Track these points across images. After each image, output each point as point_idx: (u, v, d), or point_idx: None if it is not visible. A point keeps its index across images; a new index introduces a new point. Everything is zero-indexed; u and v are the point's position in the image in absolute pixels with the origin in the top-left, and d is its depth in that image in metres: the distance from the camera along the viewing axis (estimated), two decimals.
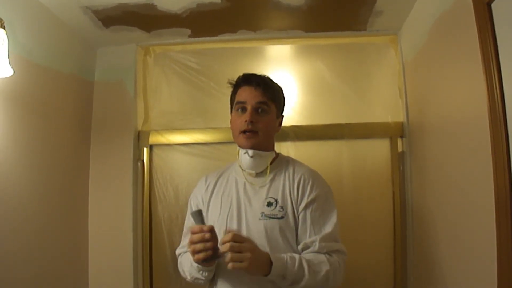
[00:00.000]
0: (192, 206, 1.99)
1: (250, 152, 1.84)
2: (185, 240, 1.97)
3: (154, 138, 2.77)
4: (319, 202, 1.81)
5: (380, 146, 2.68)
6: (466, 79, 1.79)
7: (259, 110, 1.84)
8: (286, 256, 1.67)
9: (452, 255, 1.97)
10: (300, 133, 2.62)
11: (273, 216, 1.78)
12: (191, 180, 2.71)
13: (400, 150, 2.66)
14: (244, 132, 1.83)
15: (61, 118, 2.42)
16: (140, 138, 2.77)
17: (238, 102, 1.88)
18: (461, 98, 1.85)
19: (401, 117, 2.67)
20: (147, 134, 2.76)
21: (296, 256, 1.68)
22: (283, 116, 2.01)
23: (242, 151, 1.88)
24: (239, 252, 1.58)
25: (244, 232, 1.80)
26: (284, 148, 2.50)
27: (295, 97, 2.76)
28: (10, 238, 1.93)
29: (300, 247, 1.78)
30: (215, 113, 2.74)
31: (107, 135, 2.75)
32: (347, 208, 2.56)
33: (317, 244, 1.74)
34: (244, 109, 1.85)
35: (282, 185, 1.85)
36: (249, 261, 1.57)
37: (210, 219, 1.88)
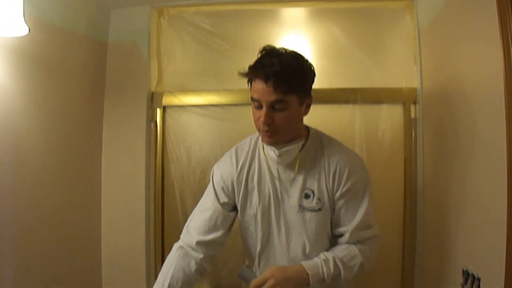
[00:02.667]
0: (217, 187, 1.91)
1: (277, 151, 1.73)
2: (196, 217, 1.92)
3: (168, 100, 2.76)
4: (354, 191, 1.78)
5: (393, 112, 2.66)
6: (482, 46, 1.76)
7: (276, 109, 1.64)
8: (320, 261, 1.70)
9: (463, 221, 1.97)
10: (314, 97, 2.58)
11: (311, 209, 1.78)
12: (203, 142, 2.74)
13: (413, 116, 2.64)
14: (265, 131, 1.70)
15: (75, 79, 2.43)
16: (153, 99, 2.77)
17: (253, 99, 1.69)
18: (477, 65, 1.82)
19: (415, 83, 2.64)
20: (161, 95, 2.76)
21: (330, 257, 1.70)
22: (311, 96, 1.80)
23: (267, 146, 1.78)
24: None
25: (282, 226, 1.82)
26: None
27: (309, 60, 2.71)
28: (24, 195, 1.96)
29: (335, 233, 1.81)
30: (229, 75, 2.70)
31: (120, 96, 2.75)
32: None
33: (348, 235, 1.75)
34: (260, 107, 1.67)
35: (318, 175, 1.78)
36: None
37: (249, 212, 1.87)
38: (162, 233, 2.81)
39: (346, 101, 2.64)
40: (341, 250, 1.75)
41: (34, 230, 2.02)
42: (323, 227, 1.79)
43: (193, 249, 1.85)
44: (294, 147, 1.75)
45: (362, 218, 1.76)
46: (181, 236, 1.92)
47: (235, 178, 1.88)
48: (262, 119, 1.65)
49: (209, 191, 1.94)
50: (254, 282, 1.64)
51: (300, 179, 1.79)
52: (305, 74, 1.73)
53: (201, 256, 1.84)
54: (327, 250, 1.79)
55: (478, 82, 1.82)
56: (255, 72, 1.66)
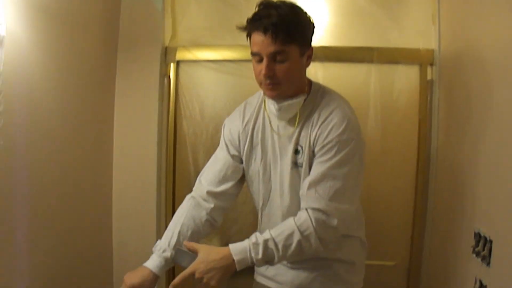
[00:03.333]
0: (226, 139, 1.93)
1: (276, 105, 1.70)
2: (208, 169, 1.95)
3: (181, 54, 2.73)
4: (330, 148, 1.65)
5: (409, 73, 2.63)
6: (504, 9, 1.73)
7: (277, 60, 1.61)
8: (249, 244, 1.60)
9: (476, 183, 1.96)
10: (329, 54, 2.56)
11: (300, 165, 1.73)
12: (217, 97, 2.72)
13: (429, 78, 2.61)
14: (266, 84, 1.67)
15: (88, 32, 2.39)
16: (167, 54, 2.74)
17: (253, 53, 1.65)
18: (497, 29, 1.79)
19: (432, 45, 2.60)
20: (174, 50, 2.73)
21: (260, 240, 1.59)
22: (311, 48, 1.73)
23: (268, 100, 1.75)
24: (197, 283, 1.59)
25: (279, 183, 1.80)
26: (313, 68, 2.44)
27: (325, 18, 2.69)
28: (36, 150, 1.95)
29: None
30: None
31: (134, 50, 2.71)
32: (372, 134, 2.56)
33: (302, 190, 1.68)
34: (260, 60, 1.63)
35: (309, 130, 1.71)
36: (210, 282, 1.58)
37: (253, 167, 1.87)
38: (173, 189, 2.82)
39: (362, 60, 2.60)
40: (278, 228, 1.63)
41: (45, 187, 2.02)
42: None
43: (204, 199, 1.87)
44: (295, 102, 1.72)
45: (320, 175, 1.63)
46: (193, 188, 1.94)
47: (241, 132, 1.88)
48: (263, 71, 1.62)
49: (221, 143, 1.96)
50: (177, 280, 1.59)
51: (296, 135, 1.74)
52: (303, 24, 1.69)
53: (212, 206, 1.85)
54: None
55: (497, 46, 1.79)
56: (253, 24, 1.63)
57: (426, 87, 2.59)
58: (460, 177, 2.16)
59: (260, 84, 1.69)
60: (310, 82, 1.81)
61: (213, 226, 1.91)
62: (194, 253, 1.63)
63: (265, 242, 1.58)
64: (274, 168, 1.81)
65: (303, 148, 1.72)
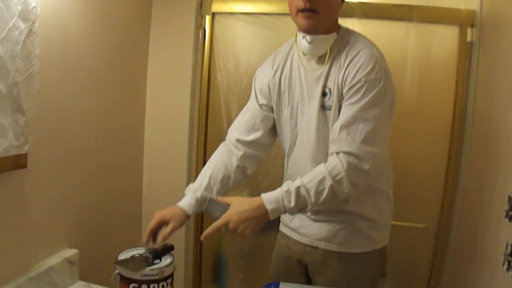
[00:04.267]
0: (256, 89, 1.97)
1: (308, 38, 1.70)
2: (238, 118, 2.01)
3: (217, 6, 2.70)
4: (359, 88, 1.63)
5: (448, 33, 2.56)
6: None
7: None
8: (281, 193, 1.61)
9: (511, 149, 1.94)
10: (367, 10, 2.51)
11: (328, 107, 1.71)
12: (252, 50, 2.70)
13: (469, 39, 2.54)
14: (302, 11, 1.64)
15: None
16: (202, 6, 2.71)
17: None
18: None
19: (474, 5, 2.52)
20: (210, 1, 2.70)
21: (293, 188, 1.60)
22: None
23: (300, 35, 1.74)
24: (231, 232, 1.60)
25: (306, 128, 1.79)
26: (350, 24, 2.38)
27: None
28: (70, 88, 1.98)
29: None
30: None
31: (169, 1, 2.70)
32: (408, 94, 2.52)
33: (332, 135, 1.66)
34: None
35: (337, 71, 1.70)
36: (245, 234, 1.61)
37: (282, 114, 1.89)
38: (205, 141, 2.83)
39: (401, 18, 2.54)
40: (309, 175, 1.63)
41: (77, 124, 2.05)
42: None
43: (234, 146, 1.93)
44: (327, 37, 1.71)
45: (351, 118, 1.61)
46: (226, 137, 1.99)
47: (270, 79, 1.91)
48: None
49: (252, 94, 2.00)
50: (209, 231, 1.61)
51: (323, 77, 1.73)
52: None
53: (241, 153, 1.91)
54: None
55: None
56: None
57: (465, 48, 2.53)
58: (495, 140, 2.13)
59: (296, 15, 1.68)
60: (339, 25, 1.80)
61: (244, 173, 1.95)
62: (226, 205, 1.65)
63: (297, 189, 1.59)
64: (301, 113, 1.82)
65: (331, 91, 1.71)
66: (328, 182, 1.58)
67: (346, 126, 1.61)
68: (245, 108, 2.03)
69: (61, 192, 1.97)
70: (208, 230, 1.61)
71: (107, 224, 2.38)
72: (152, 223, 1.73)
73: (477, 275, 2.16)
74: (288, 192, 1.60)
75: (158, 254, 1.66)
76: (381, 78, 1.63)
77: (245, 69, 2.70)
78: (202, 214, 2.83)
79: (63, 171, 1.97)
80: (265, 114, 1.94)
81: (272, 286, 1.74)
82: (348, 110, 1.63)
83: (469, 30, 2.54)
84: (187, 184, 2.58)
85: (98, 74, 2.18)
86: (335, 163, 1.60)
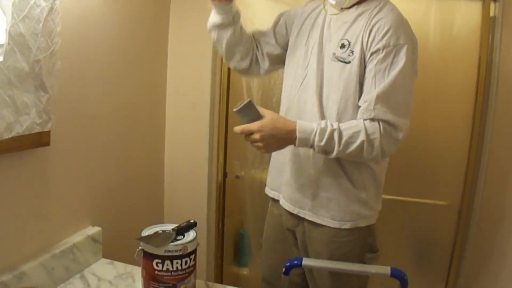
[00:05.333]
0: (280, 20, 2.06)
1: None
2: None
3: None
4: (388, 53, 1.65)
5: (471, 8, 2.51)
6: None
7: None
8: (316, 128, 1.63)
9: None
10: None
11: (342, 59, 1.73)
12: None
13: (492, 14, 2.50)
14: None
15: None
16: None
17: None
18: None
19: None
20: None
21: (328, 127, 1.63)
22: None
23: None
24: (252, 141, 1.62)
25: (317, 73, 1.80)
26: None
27: None
28: (91, 66, 1.99)
29: (358, 103, 1.72)
30: None
31: None
32: (430, 69, 2.49)
33: (366, 104, 1.67)
34: None
35: (361, 27, 1.72)
36: (263, 148, 1.63)
37: (297, 52, 1.91)
38: (226, 118, 2.82)
39: None
40: (346, 123, 1.67)
41: (98, 102, 2.06)
42: (348, 83, 1.73)
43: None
44: None
45: (388, 88, 1.64)
46: None
47: (298, 16, 1.97)
48: None
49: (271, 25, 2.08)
50: (240, 128, 1.62)
51: (344, 28, 1.77)
52: None
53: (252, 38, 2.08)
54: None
55: None
56: None
57: (488, 24, 2.49)
58: None
59: None
60: None
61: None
62: (259, 115, 1.64)
63: (332, 131, 1.63)
64: (314, 57, 1.83)
65: (350, 44, 1.73)
66: (361, 137, 1.63)
67: (383, 96, 1.64)
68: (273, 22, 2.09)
69: (83, 170, 1.99)
70: (238, 128, 1.63)
71: (130, 202, 2.41)
72: None
73: (502, 252, 2.15)
74: (323, 130, 1.63)
75: (181, 230, 1.67)
76: (410, 43, 1.68)
77: None
78: (223, 193, 2.84)
79: (86, 149, 1.99)
80: (273, 36, 2.06)
81: (295, 261, 1.74)
82: (381, 77, 1.66)
83: (492, 5, 2.49)
84: (209, 163, 2.60)
85: (118, 52, 2.19)
86: (373, 123, 1.65)
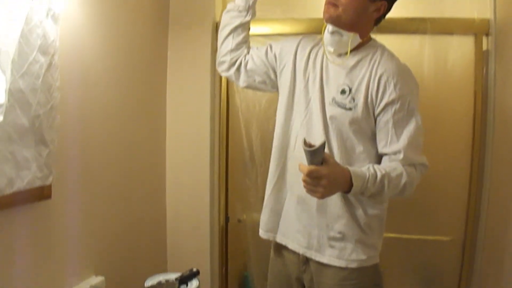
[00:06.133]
0: (274, 48, 2.09)
1: (330, 27, 1.81)
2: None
3: None
4: (402, 103, 1.75)
5: (464, 43, 2.57)
6: None
7: None
8: (368, 173, 1.66)
9: None
10: (382, 26, 2.47)
11: (342, 106, 1.78)
12: None
13: (484, 48, 2.54)
14: (327, 3, 1.79)
15: (140, 8, 2.42)
16: (218, 29, 2.73)
17: None
18: None
19: (487, 14, 2.52)
20: None
21: (379, 173, 1.67)
22: (385, 2, 1.84)
23: (325, 30, 1.85)
24: (315, 185, 1.59)
25: (314, 115, 1.84)
26: None
27: None
28: (91, 118, 2.01)
29: (381, 151, 1.78)
30: (295, 4, 2.69)
31: (185, 26, 2.74)
32: (426, 106, 2.50)
33: (401, 155, 1.73)
34: None
35: (362, 75, 1.79)
36: (321, 194, 1.61)
37: (298, 88, 1.93)
38: (227, 162, 2.84)
39: (415, 31, 2.56)
40: (388, 167, 1.73)
41: (99, 153, 2.07)
42: (348, 129, 1.78)
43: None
44: (348, 34, 1.80)
45: (413, 136, 1.75)
46: None
47: (292, 52, 2.00)
48: None
49: (262, 49, 2.12)
50: (309, 170, 1.58)
51: (343, 73, 1.82)
52: None
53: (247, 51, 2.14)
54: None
55: None
56: None
57: (482, 57, 2.53)
58: None
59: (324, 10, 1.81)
60: (370, 36, 1.93)
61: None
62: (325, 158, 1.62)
63: (382, 176, 1.67)
64: (315, 97, 1.87)
65: (351, 91, 1.79)
66: (404, 179, 1.70)
67: (410, 144, 1.74)
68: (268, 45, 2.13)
69: (85, 220, 1.99)
70: (307, 168, 1.58)
71: (132, 250, 2.39)
72: None
73: (509, 284, 2.13)
74: (373, 175, 1.67)
75: (184, 279, 1.67)
76: (417, 89, 1.83)
77: None
78: (226, 238, 2.84)
79: (87, 199, 1.99)
80: (263, 63, 2.08)
81: None
82: (401, 126, 1.76)
83: (484, 39, 2.54)
84: (210, 207, 2.60)
85: (118, 103, 2.21)
86: (410, 167, 1.75)
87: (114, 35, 2.16)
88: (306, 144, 1.56)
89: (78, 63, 1.88)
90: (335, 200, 1.79)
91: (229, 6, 2.10)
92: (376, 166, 1.71)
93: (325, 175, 1.58)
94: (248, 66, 2.09)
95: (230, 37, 2.08)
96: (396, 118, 1.74)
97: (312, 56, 1.95)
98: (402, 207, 2.41)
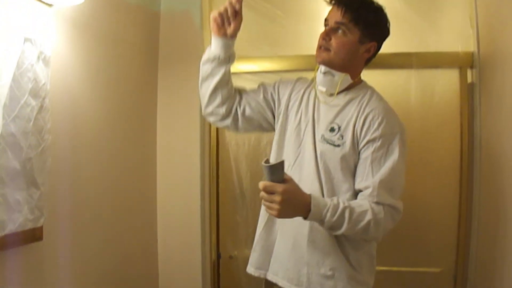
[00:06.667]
0: (274, 84, 2.10)
1: (322, 68, 1.85)
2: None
3: None
4: (383, 142, 1.77)
5: (449, 77, 2.61)
6: None
7: (337, 30, 1.82)
8: (330, 203, 1.66)
9: None
10: None
11: (331, 142, 1.81)
12: None
13: (469, 81, 2.58)
14: (320, 47, 1.86)
15: (129, 48, 2.47)
16: None
17: (325, 20, 1.89)
18: None
19: (471, 47, 2.57)
20: None
21: (341, 204, 1.66)
22: (375, 43, 1.92)
23: (317, 71, 1.90)
24: (270, 201, 1.60)
25: (306, 154, 1.86)
26: None
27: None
28: (82, 159, 2.02)
29: (356, 187, 1.79)
30: (282, 41, 2.72)
31: (174, 65, 2.78)
32: (413, 139, 2.52)
33: (369, 190, 1.73)
34: (326, 27, 1.87)
35: (351, 114, 1.83)
36: (277, 212, 1.60)
37: (289, 128, 1.96)
38: (217, 199, 2.85)
39: (401, 66, 2.61)
40: (354, 202, 1.72)
41: (90, 194, 2.08)
42: (339, 165, 1.80)
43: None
44: (339, 75, 1.85)
45: (388, 175, 1.74)
46: None
47: (287, 94, 2.03)
48: (322, 33, 1.85)
49: (259, 87, 2.13)
50: (265, 184, 1.59)
51: (333, 112, 1.86)
52: (377, 18, 1.91)
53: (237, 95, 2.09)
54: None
55: None
56: None
57: (467, 90, 2.57)
58: (504, 179, 2.14)
59: (317, 50, 1.88)
60: (362, 80, 1.98)
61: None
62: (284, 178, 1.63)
63: (344, 208, 1.65)
64: (306, 139, 1.89)
65: (340, 129, 1.82)
66: (368, 217, 1.67)
67: (383, 182, 1.73)
68: (259, 84, 2.14)
69: (77, 260, 1.99)
70: (263, 183, 1.60)
71: (125, 287, 2.38)
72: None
73: None
74: (335, 206, 1.66)
75: None
76: (401, 131, 1.82)
77: None
78: (218, 275, 2.83)
79: (79, 241, 1.99)
80: (262, 103, 2.07)
81: None
82: (378, 164, 1.77)
83: (469, 72, 2.59)
84: (202, 244, 2.60)
85: (108, 143, 2.22)
86: (378, 207, 1.71)
87: (104, 75, 2.19)
88: (266, 161, 1.59)
89: (68, 104, 1.90)
90: (324, 236, 1.80)
91: (207, 56, 2.01)
92: (341, 199, 1.71)
93: (279, 191, 1.58)
94: (246, 113, 2.06)
95: (218, 91, 2.02)
96: (375, 156, 1.77)
97: (305, 98, 1.98)
98: (393, 239, 2.40)
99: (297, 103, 1.98)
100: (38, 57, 1.61)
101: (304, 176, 1.86)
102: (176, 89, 2.78)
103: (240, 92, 2.10)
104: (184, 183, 2.75)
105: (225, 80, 2.01)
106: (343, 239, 1.80)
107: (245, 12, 2.79)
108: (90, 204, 2.07)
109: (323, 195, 1.80)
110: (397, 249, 2.53)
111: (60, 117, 1.82)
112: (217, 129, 2.83)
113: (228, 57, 1.97)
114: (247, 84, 2.70)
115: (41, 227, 1.67)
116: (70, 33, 1.93)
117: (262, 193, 1.62)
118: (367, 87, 1.95)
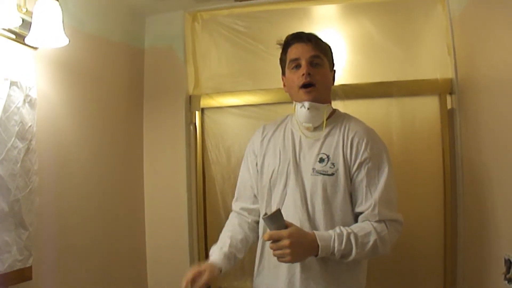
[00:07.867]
0: (248, 156, 2.07)
1: (306, 104, 1.86)
2: (238, 193, 2.10)
3: (205, 102, 2.83)
4: (373, 161, 1.83)
5: (429, 103, 2.65)
6: None
7: (314, 64, 1.87)
8: (334, 234, 1.70)
9: (504, 209, 1.96)
10: (349, 92, 2.61)
11: (324, 173, 1.83)
12: (242, 142, 2.74)
13: (449, 107, 2.62)
14: (304, 86, 1.86)
15: (114, 85, 2.51)
16: (191, 102, 2.83)
17: (291, 60, 1.90)
18: None
19: (449, 74, 2.62)
20: (198, 98, 2.82)
21: (344, 232, 1.70)
22: (335, 70, 2.01)
23: (298, 105, 1.91)
24: (280, 248, 1.63)
25: (298, 189, 1.85)
26: (334, 106, 2.53)
27: (343, 57, 2.74)
28: (67, 198, 2.04)
29: (356, 210, 1.83)
30: (264, 75, 2.77)
31: (159, 100, 2.83)
32: (397, 167, 2.54)
33: (370, 209, 1.78)
34: (298, 66, 1.88)
35: (336, 142, 1.86)
36: (290, 256, 1.63)
37: (266, 172, 1.95)
38: (205, 233, 2.87)
39: (381, 95, 2.65)
40: (356, 226, 1.77)
41: (77, 233, 2.09)
42: (336, 192, 1.82)
43: (241, 214, 2.04)
44: (324, 107, 1.90)
45: (384, 192, 1.80)
46: (232, 207, 2.12)
47: (258, 144, 2.04)
48: (303, 71, 1.85)
49: (242, 166, 2.12)
50: (269, 234, 1.65)
51: (318, 144, 1.88)
52: (330, 48, 2.01)
53: (249, 220, 2.02)
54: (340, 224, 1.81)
55: None
56: (294, 37, 1.94)
57: (447, 116, 2.61)
58: (487, 205, 2.15)
59: (298, 91, 1.89)
60: (334, 108, 2.02)
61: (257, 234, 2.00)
62: (285, 225, 1.67)
63: (348, 235, 1.70)
64: (296, 174, 1.88)
65: (329, 158, 1.85)
66: (373, 237, 1.73)
67: (382, 199, 1.79)
68: (240, 177, 2.13)
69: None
70: (268, 233, 1.65)
71: None
72: (189, 273, 1.74)
73: None
74: (340, 235, 1.70)
75: None
76: (386, 148, 1.91)
77: (237, 161, 2.73)
78: None
79: (67, 279, 1.99)
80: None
81: None
82: (373, 183, 1.82)
83: (448, 98, 2.63)
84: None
85: (95, 182, 2.25)
86: (380, 224, 1.77)
87: (90, 113, 2.23)
88: (264, 215, 1.67)
89: (55, 145, 1.93)
90: (315, 268, 1.80)
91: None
92: (342, 227, 1.74)
93: (286, 236, 1.62)
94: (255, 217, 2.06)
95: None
96: (369, 177, 1.81)
97: (279, 139, 1.99)
98: (379, 268, 2.41)
99: (270, 145, 2.01)
100: (24, 100, 1.64)
101: (295, 214, 1.85)
102: (161, 123, 2.82)
103: (247, 215, 2.05)
104: (172, 218, 2.78)
105: (243, 249, 1.96)
106: (335, 268, 1.81)
107: (228, 48, 2.86)
108: (77, 243, 2.08)
109: (311, 226, 1.81)
110: (383, 278, 2.53)
111: (47, 158, 1.84)
112: (203, 163, 2.86)
113: (232, 263, 1.89)
114: (232, 118, 2.77)
115: (30, 267, 1.68)
116: (55, 75, 1.97)
117: (271, 244, 1.66)
118: (342, 113, 2.01)
